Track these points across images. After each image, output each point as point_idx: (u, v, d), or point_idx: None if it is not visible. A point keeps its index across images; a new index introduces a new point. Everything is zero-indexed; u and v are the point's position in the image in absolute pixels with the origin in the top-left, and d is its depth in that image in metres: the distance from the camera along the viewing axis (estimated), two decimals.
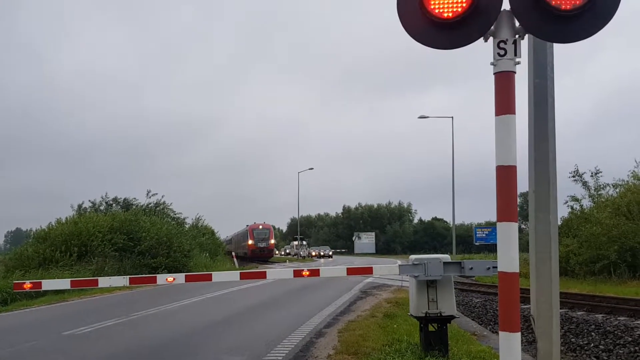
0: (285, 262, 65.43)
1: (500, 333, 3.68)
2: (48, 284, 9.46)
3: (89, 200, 42.89)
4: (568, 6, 3.65)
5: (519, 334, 3.66)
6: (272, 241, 68.63)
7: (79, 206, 41.95)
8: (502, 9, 3.88)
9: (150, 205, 43.27)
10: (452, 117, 38.77)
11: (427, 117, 38.44)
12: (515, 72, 3.88)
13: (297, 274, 7.85)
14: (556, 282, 4.42)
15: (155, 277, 8.48)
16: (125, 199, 43.75)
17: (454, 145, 38.61)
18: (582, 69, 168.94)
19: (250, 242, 65.65)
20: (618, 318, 11.19)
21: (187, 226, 46.74)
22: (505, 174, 3.84)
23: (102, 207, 42.20)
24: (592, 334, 10.27)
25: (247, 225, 68.93)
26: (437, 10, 3.80)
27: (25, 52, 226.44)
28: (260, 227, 67.32)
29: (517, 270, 3.72)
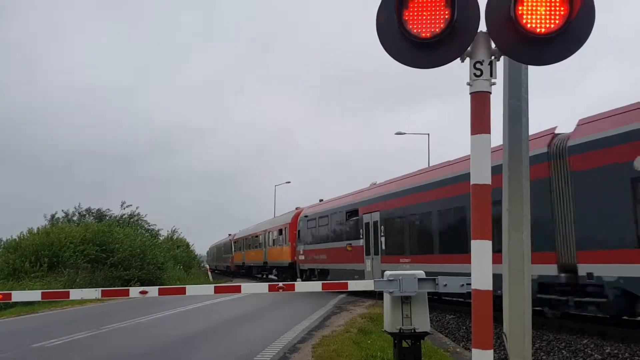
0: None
1: (473, 350, 3.72)
2: (18, 296, 9.30)
3: (62, 210, 42.30)
4: (543, 30, 3.74)
5: (491, 351, 3.70)
6: None
7: (52, 216, 41.33)
8: (478, 31, 3.96)
9: (124, 217, 42.79)
10: (428, 134, 39.10)
11: (404, 133, 38.66)
12: (490, 93, 3.95)
13: (272, 288, 7.81)
14: (528, 299, 4.47)
15: (128, 289, 8.36)
16: (98, 210, 43.23)
17: (430, 163, 38.92)
18: None
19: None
20: (587, 336, 11.32)
21: (161, 238, 46.28)
22: (480, 192, 3.90)
23: (75, 218, 41.62)
24: (563, 351, 10.38)
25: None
26: (415, 31, 3.87)
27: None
28: None
29: (491, 288, 3.77)
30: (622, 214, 10.66)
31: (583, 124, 12.06)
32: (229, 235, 60.98)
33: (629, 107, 11.11)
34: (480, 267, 3.81)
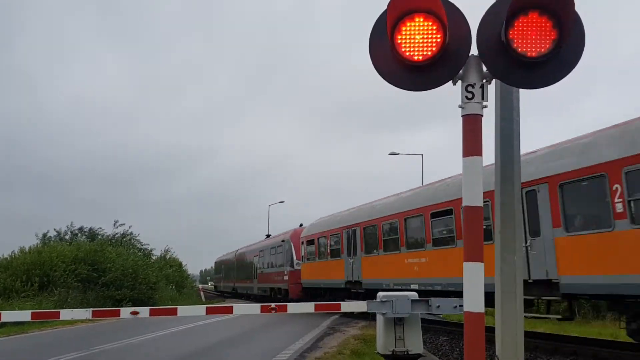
0: None
1: None
2: (8, 316, 9.18)
3: (54, 229, 42.03)
4: (534, 54, 3.78)
5: None
6: None
7: (44, 235, 41.05)
8: (470, 54, 4.00)
9: (116, 236, 42.56)
10: (422, 155, 39.13)
11: (398, 153, 38.73)
12: (482, 115, 3.98)
13: (265, 309, 7.77)
14: (521, 321, 4.47)
15: (119, 310, 8.30)
16: (90, 229, 42.99)
17: (424, 183, 38.97)
18: None
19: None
20: (582, 359, 11.29)
21: (154, 258, 46.00)
22: (472, 215, 3.91)
23: (67, 237, 41.36)
24: None
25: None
26: (407, 53, 3.91)
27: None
28: None
29: (483, 311, 3.77)
30: None
31: None
32: (280, 238, 35.00)
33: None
34: (472, 289, 3.80)
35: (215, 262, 47.19)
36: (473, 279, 3.83)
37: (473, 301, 3.76)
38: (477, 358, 3.68)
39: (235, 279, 49.65)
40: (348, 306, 8.47)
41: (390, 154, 38.62)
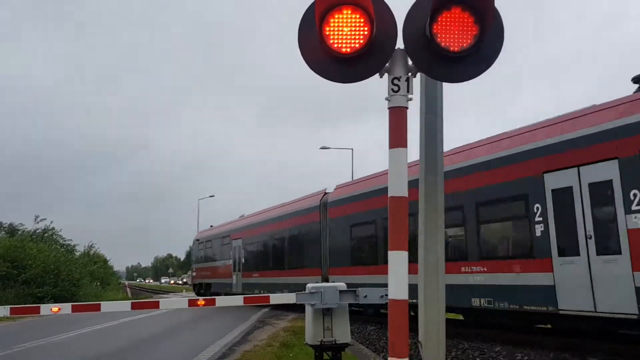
0: (182, 291, 63.57)
1: (389, 359, 3.79)
2: None
3: None
4: (456, 48, 3.90)
5: None
6: None
7: None
8: (397, 48, 4.08)
9: (37, 232, 40.92)
10: (352, 149, 39.52)
11: (328, 147, 39.04)
12: (407, 108, 4.07)
13: (192, 303, 7.68)
14: (443, 309, 4.61)
15: (39, 307, 8.01)
16: (10, 224, 41.16)
17: (354, 177, 39.39)
18: None
19: None
20: (500, 344, 11.76)
21: (77, 254, 44.53)
22: (397, 205, 3.99)
23: None
24: (477, 359, 10.74)
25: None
26: (336, 45, 3.94)
27: None
28: None
29: (407, 298, 3.86)
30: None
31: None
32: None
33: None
34: (396, 277, 3.89)
35: (196, 241, 38.24)
36: (397, 267, 3.91)
37: (397, 289, 3.85)
38: (400, 344, 3.77)
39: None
40: (277, 298, 8.48)
41: (322, 148, 38.89)
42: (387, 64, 4.06)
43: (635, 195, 9.47)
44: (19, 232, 39.61)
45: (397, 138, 4.05)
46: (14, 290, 27.84)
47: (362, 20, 3.90)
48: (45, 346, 13.72)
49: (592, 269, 10.12)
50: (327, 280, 18.69)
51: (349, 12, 3.90)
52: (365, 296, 8.03)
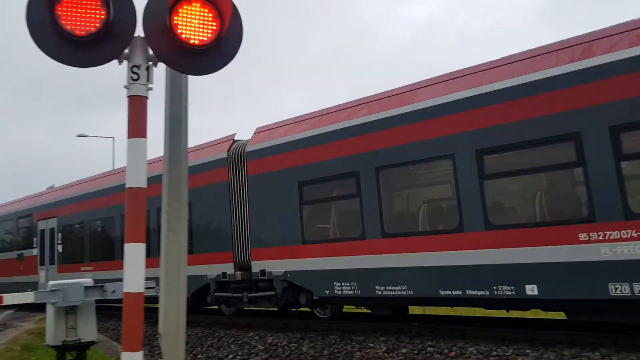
0: None
1: (123, 353, 3.70)
2: None
3: None
4: (197, 41, 3.95)
5: (141, 353, 3.73)
6: None
7: None
8: (137, 35, 3.99)
9: None
10: (113, 138, 37.63)
11: (87, 135, 36.66)
12: (147, 97, 4.01)
13: None
14: (183, 299, 4.64)
15: None
16: None
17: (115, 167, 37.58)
18: None
19: None
20: (254, 329, 12.22)
21: None
22: (135, 196, 3.92)
23: None
24: (232, 346, 11.03)
25: None
26: (69, 27, 3.73)
27: None
28: None
29: (143, 290, 3.81)
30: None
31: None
32: None
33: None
34: (133, 270, 3.82)
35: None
36: (135, 260, 3.84)
37: (133, 281, 3.77)
38: (134, 338, 3.70)
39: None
40: (12, 298, 7.75)
41: (79, 135, 36.39)
42: (126, 51, 3.95)
43: None
44: None
45: (137, 128, 3.98)
46: None
47: (98, 2, 3.75)
48: None
49: None
50: (246, 268, 12.65)
51: None
52: (114, 291, 7.73)
